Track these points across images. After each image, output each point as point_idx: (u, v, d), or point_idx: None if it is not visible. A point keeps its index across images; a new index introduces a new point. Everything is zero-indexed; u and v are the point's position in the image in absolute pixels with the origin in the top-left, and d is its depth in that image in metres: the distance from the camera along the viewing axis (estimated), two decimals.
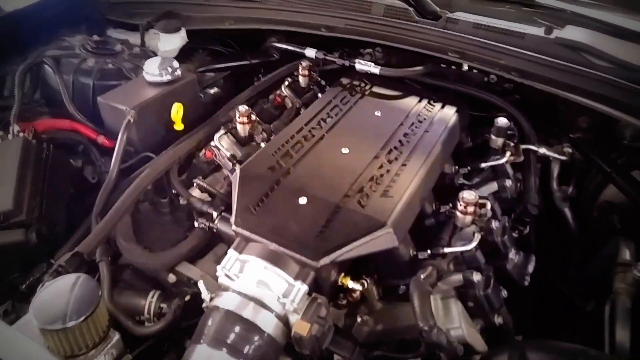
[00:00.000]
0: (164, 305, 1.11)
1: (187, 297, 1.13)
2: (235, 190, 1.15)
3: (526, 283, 1.14)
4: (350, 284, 1.09)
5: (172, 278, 1.20)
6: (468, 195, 1.11)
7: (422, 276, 1.04)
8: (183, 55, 1.87)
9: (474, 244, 1.09)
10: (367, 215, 1.08)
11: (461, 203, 1.12)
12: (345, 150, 1.29)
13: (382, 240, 1.04)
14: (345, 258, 1.03)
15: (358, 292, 1.14)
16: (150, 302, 1.12)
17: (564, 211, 1.55)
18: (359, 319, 1.16)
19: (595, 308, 1.25)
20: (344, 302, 1.17)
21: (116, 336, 0.97)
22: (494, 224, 1.17)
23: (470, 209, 1.11)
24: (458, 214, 1.14)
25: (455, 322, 1.06)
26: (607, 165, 1.47)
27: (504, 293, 1.17)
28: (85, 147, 1.55)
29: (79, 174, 1.52)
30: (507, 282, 1.15)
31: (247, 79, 1.85)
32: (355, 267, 1.14)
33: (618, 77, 1.38)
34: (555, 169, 1.56)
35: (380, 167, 1.23)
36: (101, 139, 1.53)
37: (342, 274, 1.10)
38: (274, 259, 1.02)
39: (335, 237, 1.03)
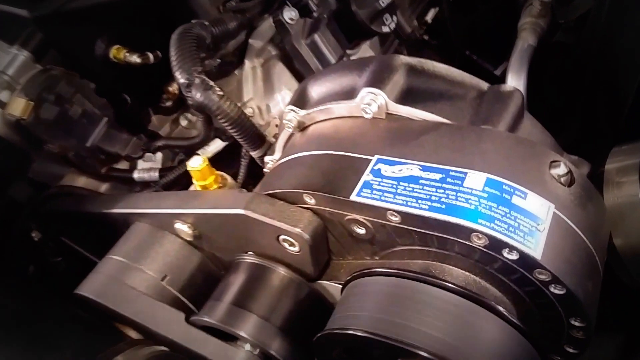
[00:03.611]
0: None
1: None
2: None
3: (385, 29, 0.79)
4: (127, 56, 0.76)
5: None
6: None
7: (205, 22, 0.69)
8: None
9: None
10: None
11: None
12: None
13: None
14: (85, 5, 0.69)
15: (175, 87, 0.86)
16: None
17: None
18: (183, 122, 0.90)
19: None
20: (169, 104, 0.89)
21: None
22: None
23: None
24: None
25: (274, 92, 0.75)
26: None
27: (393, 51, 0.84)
28: None
29: None
30: None
31: None
32: None
33: None
34: None
35: None
36: None
37: (115, 46, 0.76)
38: None
39: None
